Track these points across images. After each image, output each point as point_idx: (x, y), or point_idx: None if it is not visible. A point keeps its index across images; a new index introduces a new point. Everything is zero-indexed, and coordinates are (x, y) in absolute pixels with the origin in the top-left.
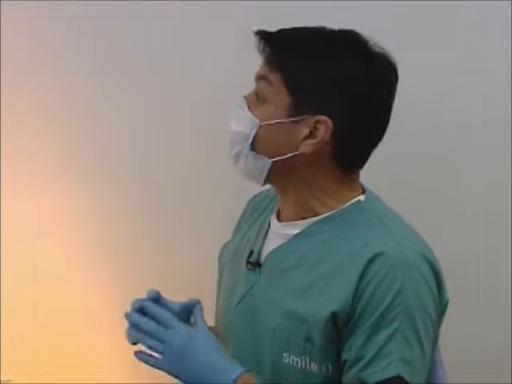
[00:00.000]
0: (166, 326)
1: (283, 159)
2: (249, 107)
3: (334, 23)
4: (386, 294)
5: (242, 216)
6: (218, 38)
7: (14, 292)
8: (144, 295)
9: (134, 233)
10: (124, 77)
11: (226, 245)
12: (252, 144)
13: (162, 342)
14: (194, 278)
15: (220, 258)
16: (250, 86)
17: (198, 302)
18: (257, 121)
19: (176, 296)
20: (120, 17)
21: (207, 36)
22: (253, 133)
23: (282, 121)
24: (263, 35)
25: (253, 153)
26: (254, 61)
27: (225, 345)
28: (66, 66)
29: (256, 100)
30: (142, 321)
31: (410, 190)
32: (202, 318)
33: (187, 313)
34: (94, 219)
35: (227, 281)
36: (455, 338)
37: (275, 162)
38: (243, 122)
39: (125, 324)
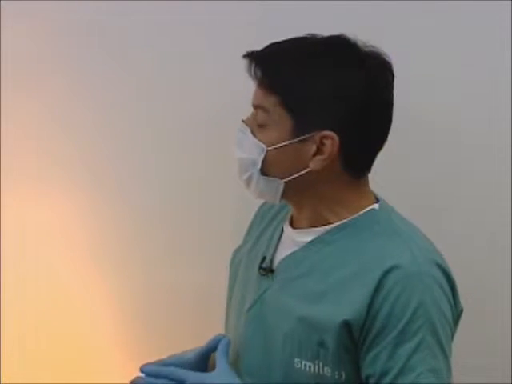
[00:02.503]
0: (179, 380)
1: (295, 177)
2: (251, 132)
3: (334, 26)
4: (407, 307)
5: (253, 222)
6: (228, 44)
7: (18, 295)
8: (150, 300)
9: (141, 236)
10: (130, 80)
11: (237, 250)
12: (261, 168)
13: None
14: (202, 281)
15: (232, 263)
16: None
17: (223, 337)
18: (263, 146)
19: (183, 300)
20: (125, 17)
21: (217, 42)
22: (261, 158)
23: (287, 142)
24: (253, 57)
25: (264, 177)
26: None
27: (235, 350)
28: (71, 68)
29: (257, 124)
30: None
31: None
32: (226, 354)
33: (208, 354)
34: (101, 222)
35: (239, 286)
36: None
37: (287, 181)
38: (249, 148)
39: (131, 328)
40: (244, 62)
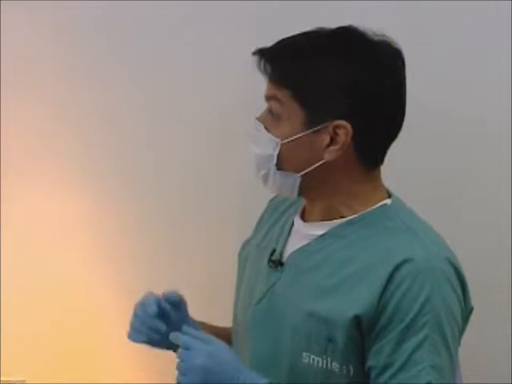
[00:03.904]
0: (185, 347)
1: (310, 171)
2: (266, 128)
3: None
4: (415, 301)
5: (263, 215)
6: (234, 42)
7: (28, 293)
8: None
9: (149, 234)
10: (140, 80)
11: (246, 243)
12: (277, 163)
13: (182, 361)
14: (209, 278)
15: (240, 255)
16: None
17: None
18: (277, 140)
19: (190, 297)
20: (127, 14)
21: (224, 41)
22: (276, 152)
23: (301, 135)
24: (262, 54)
25: (280, 172)
26: None
27: (243, 343)
28: (74, 65)
29: (271, 119)
30: None
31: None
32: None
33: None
34: (110, 223)
35: (248, 279)
36: None
37: (303, 174)
38: (264, 144)
39: None
40: (244, 61)
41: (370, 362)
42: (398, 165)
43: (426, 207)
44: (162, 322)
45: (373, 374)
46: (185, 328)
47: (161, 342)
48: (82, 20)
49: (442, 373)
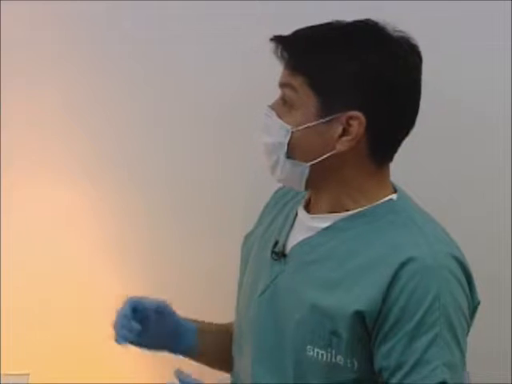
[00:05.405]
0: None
1: (320, 161)
2: (278, 115)
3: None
4: (423, 299)
5: (266, 206)
6: (237, 43)
7: (34, 287)
8: (163, 292)
9: (154, 230)
10: (144, 77)
11: (249, 235)
12: (287, 152)
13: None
14: (214, 274)
15: (243, 247)
16: (268, 86)
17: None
18: (289, 128)
19: (194, 290)
20: (132, 11)
21: (227, 41)
22: (286, 140)
23: (314, 123)
24: (280, 40)
25: (289, 160)
26: (273, 63)
27: (246, 336)
28: (83, 64)
29: (283, 107)
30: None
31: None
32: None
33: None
34: (116, 216)
35: (250, 270)
36: None
37: (313, 165)
38: (275, 132)
39: None
40: (249, 61)
41: (381, 364)
42: (400, 161)
43: (427, 203)
44: (136, 323)
45: (385, 375)
46: (181, 375)
47: (143, 343)
48: (84, 19)
49: (455, 370)
